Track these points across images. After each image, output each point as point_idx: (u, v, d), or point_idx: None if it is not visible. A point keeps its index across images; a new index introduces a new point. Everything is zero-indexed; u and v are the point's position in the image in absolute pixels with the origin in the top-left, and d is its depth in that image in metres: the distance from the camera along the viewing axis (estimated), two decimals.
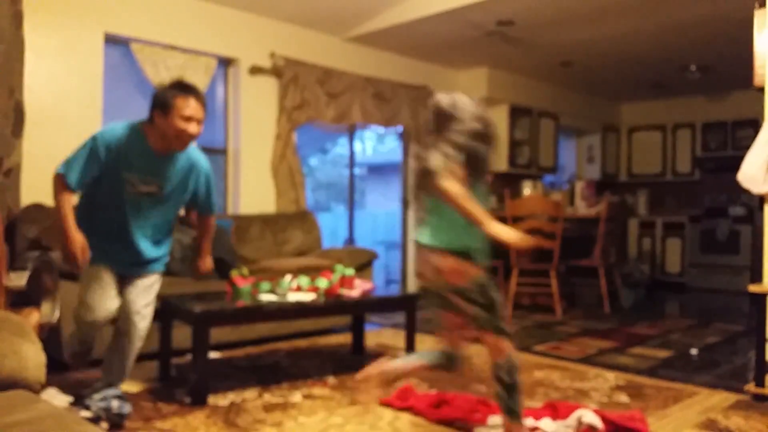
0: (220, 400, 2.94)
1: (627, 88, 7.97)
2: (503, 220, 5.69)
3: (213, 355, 3.74)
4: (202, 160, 2.95)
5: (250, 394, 3.06)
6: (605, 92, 8.28)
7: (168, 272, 4.07)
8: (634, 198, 8.68)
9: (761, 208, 3.46)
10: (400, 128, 6.50)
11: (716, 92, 7.88)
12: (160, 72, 4.64)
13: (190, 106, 2.71)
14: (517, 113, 7.32)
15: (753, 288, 3.08)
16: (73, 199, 2.71)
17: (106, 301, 2.73)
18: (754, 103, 3.52)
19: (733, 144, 7.81)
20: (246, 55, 5.21)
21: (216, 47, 5.02)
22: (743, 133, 7.50)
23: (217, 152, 5.27)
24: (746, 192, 3.49)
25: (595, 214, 6.08)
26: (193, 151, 2.90)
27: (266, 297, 3.27)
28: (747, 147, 3.46)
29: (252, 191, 5.26)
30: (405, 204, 6.72)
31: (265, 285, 3.37)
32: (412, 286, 6.59)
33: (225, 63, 5.23)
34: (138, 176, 2.73)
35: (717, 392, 3.13)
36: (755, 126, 3.48)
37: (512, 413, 2.23)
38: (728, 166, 3.90)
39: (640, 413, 2.63)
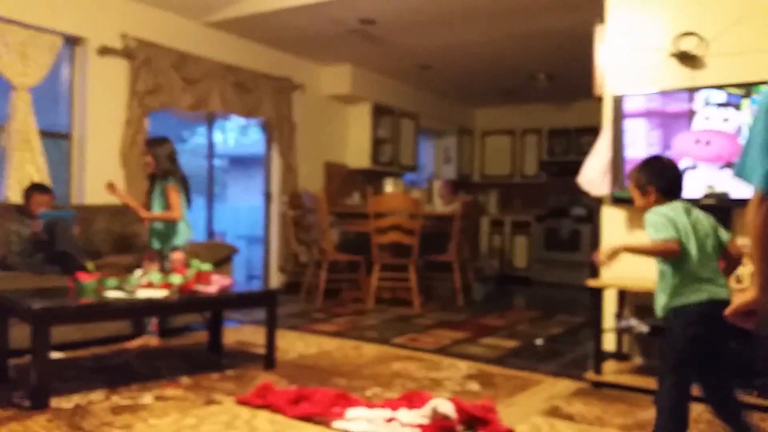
0: (64, 403, 2.71)
1: (481, 93, 8.38)
2: (366, 216, 5.76)
3: (56, 355, 3.44)
4: None
5: (97, 396, 2.85)
6: (461, 96, 8.65)
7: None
8: (486, 197, 9.17)
9: (599, 209, 3.77)
10: (262, 119, 6.35)
11: (562, 100, 8.50)
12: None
13: None
14: (379, 112, 7.43)
15: (591, 282, 3.35)
16: None
17: None
18: (595, 111, 3.83)
19: (575, 149, 8.46)
20: (95, 35, 4.83)
21: (62, 24, 4.61)
22: (585, 139, 8.16)
23: (60, 137, 4.84)
24: (586, 194, 3.79)
25: (451, 212, 6.32)
26: None
27: (113, 294, 3.05)
28: (588, 152, 3.75)
29: (99, 180, 4.87)
30: (268, 198, 6.59)
31: (112, 281, 3.15)
32: (275, 281, 6.49)
33: (71, 42, 4.81)
34: None
35: (560, 380, 3.37)
36: (595, 133, 3.78)
37: None
38: (571, 170, 4.21)
39: (490, 402, 2.76)
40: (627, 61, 3.65)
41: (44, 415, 2.58)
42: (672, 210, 2.20)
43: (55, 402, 2.72)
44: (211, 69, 5.66)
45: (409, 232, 5.61)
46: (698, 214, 2.23)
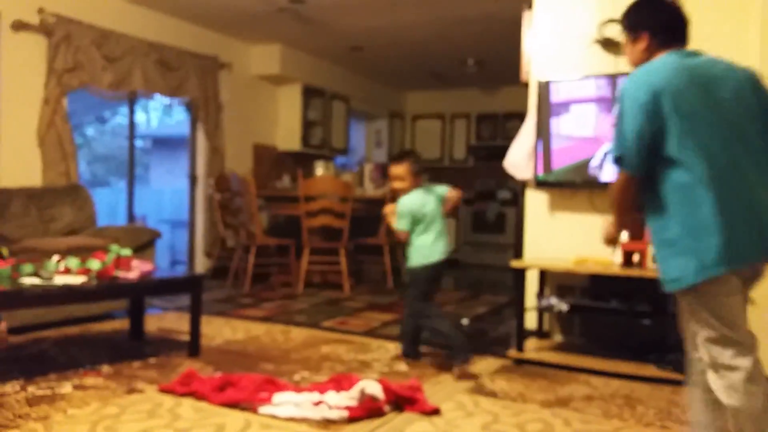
0: None
1: (412, 77, 8.42)
2: (296, 199, 5.71)
3: None
4: None
5: (11, 387, 2.72)
6: (392, 80, 8.66)
7: None
8: None
9: (524, 193, 3.87)
10: (187, 99, 6.17)
11: (490, 86, 8.65)
12: None
13: None
14: (310, 93, 7.35)
15: (515, 263, 3.44)
16: None
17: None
18: (522, 97, 3.91)
19: (503, 134, 8.64)
20: (9, 9, 4.56)
21: None
22: (512, 124, 8.34)
23: None
24: (512, 177, 3.88)
25: (382, 195, 6.35)
26: None
27: (29, 280, 2.91)
28: (514, 137, 3.84)
29: (14, 161, 4.64)
30: (193, 180, 6.42)
31: (28, 267, 3.00)
32: (201, 266, 6.35)
33: None
34: None
35: (484, 358, 3.45)
36: (522, 118, 3.87)
37: None
38: (498, 154, 4.31)
39: (417, 382, 2.81)
40: (553, 47, 3.74)
41: None
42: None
43: None
44: (134, 46, 5.45)
45: (339, 215, 5.60)
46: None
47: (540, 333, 3.72)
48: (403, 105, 9.48)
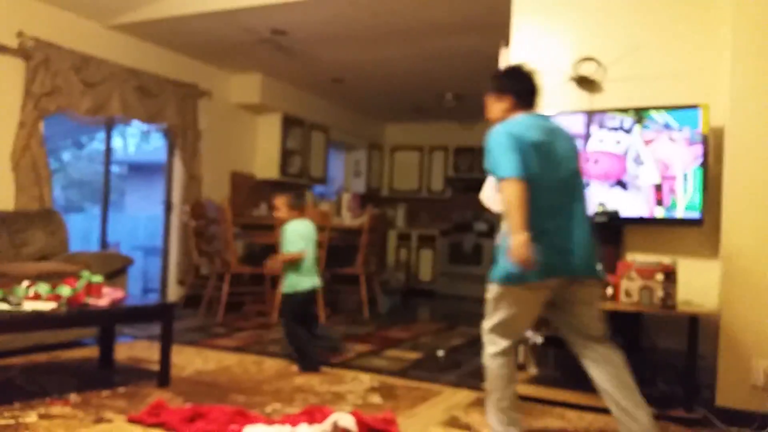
0: None
1: (391, 109, 8.52)
2: (272, 227, 5.67)
3: None
4: None
5: None
6: (372, 111, 8.75)
7: None
8: (394, 211, 9.29)
9: (499, 225, 3.90)
10: (165, 126, 6.15)
11: (468, 119, 8.76)
12: None
13: None
14: (289, 123, 7.39)
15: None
16: None
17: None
18: None
19: (479, 167, 8.73)
20: None
21: None
22: None
23: None
24: (488, 210, 3.91)
25: (359, 225, 6.36)
26: None
27: None
28: None
29: None
30: (168, 207, 6.37)
31: None
32: (173, 294, 6.26)
33: None
34: None
35: (459, 390, 3.44)
36: None
37: None
38: (474, 187, 4.34)
39: (391, 414, 2.79)
40: None
41: None
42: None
43: None
44: (113, 72, 5.44)
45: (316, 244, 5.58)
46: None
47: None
48: (382, 136, 9.56)
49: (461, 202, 8.82)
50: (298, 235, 4.00)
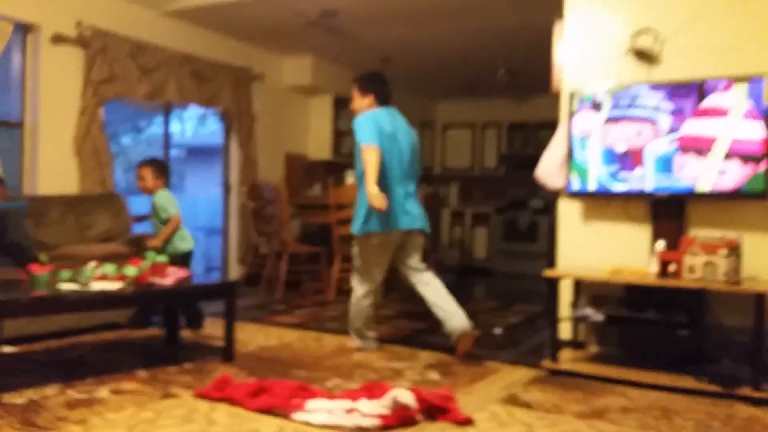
0: (16, 398, 2.64)
1: (442, 87, 8.43)
2: (327, 207, 5.73)
3: (7, 349, 3.35)
4: None
5: (51, 390, 2.78)
6: (423, 89, 8.68)
7: None
8: (446, 190, 9.24)
9: (556, 202, 3.84)
10: (220, 110, 6.26)
11: (521, 95, 8.60)
12: None
13: None
14: (340, 104, 7.40)
15: (548, 273, 3.41)
16: None
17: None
18: (554, 106, 3.89)
19: (534, 143, 8.58)
20: (48, 22, 4.69)
21: (12, 10, 4.46)
22: (543, 133, 8.26)
23: (12, 126, 4.69)
24: (544, 187, 3.85)
25: None
26: None
27: (66, 286, 2.98)
28: (546, 146, 3.81)
29: (52, 170, 4.76)
30: (227, 189, 6.51)
31: (66, 273, 3.07)
32: (235, 273, 6.41)
33: (23, 29, 4.65)
34: None
35: (518, 368, 3.42)
36: (553, 128, 3.84)
37: None
38: (529, 163, 4.28)
39: (449, 391, 2.79)
40: (585, 56, 3.71)
41: None
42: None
43: (7, 397, 2.65)
44: (169, 58, 5.55)
45: None
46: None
47: (575, 343, 3.67)
48: (434, 114, 9.48)
49: (516, 179, 8.70)
50: (173, 201, 4.12)
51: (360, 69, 7.63)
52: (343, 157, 7.49)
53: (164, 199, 4.11)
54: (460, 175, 9.34)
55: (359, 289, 3.65)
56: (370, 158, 3.37)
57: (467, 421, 2.51)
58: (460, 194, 9.26)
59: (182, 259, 4.00)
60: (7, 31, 4.43)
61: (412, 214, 3.60)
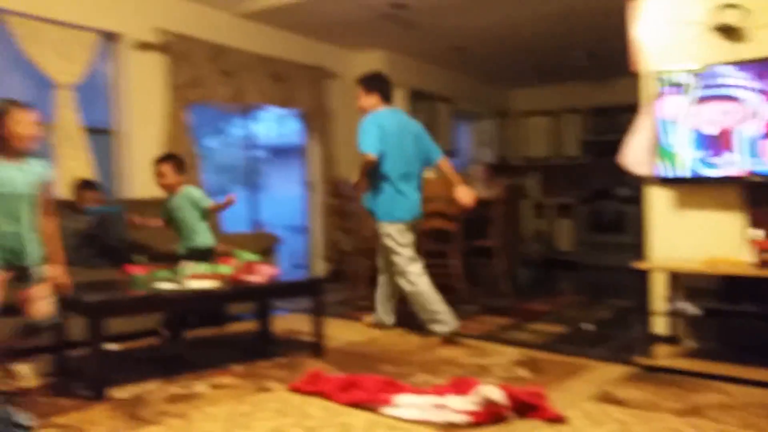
0: (122, 393, 2.81)
1: (518, 73, 8.25)
2: None
3: (111, 346, 3.55)
4: None
5: (153, 385, 2.93)
6: (498, 78, 8.53)
7: None
8: (526, 181, 9.05)
9: (644, 190, 3.69)
10: (299, 109, 6.38)
11: (602, 78, 8.31)
12: (39, 47, 4.31)
13: None
14: (415, 97, 7.38)
15: (639, 265, 3.29)
16: None
17: None
18: (637, 88, 3.74)
19: (618, 128, 8.26)
20: (131, 30, 4.91)
21: (99, 21, 4.70)
22: (627, 117, 7.94)
23: (103, 132, 4.95)
24: (631, 174, 3.71)
25: (491, 196, 6.27)
26: None
27: (164, 285, 3.13)
28: (630, 131, 3.67)
29: (144, 174, 4.96)
30: (308, 187, 6.64)
31: (163, 273, 3.22)
32: (319, 269, 6.54)
33: (109, 38, 4.90)
34: None
35: (610, 365, 3.32)
36: (638, 110, 3.70)
37: None
38: (613, 150, 4.12)
39: (540, 388, 2.75)
40: (665, 35, 3.54)
41: (103, 404, 2.66)
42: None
43: (114, 392, 2.81)
44: (247, 60, 5.70)
45: (449, 218, 5.58)
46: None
47: (670, 338, 3.53)
48: (510, 103, 9.31)
49: (600, 167, 8.36)
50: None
51: (433, 60, 7.64)
52: None
53: (197, 191, 4.01)
54: (540, 165, 9.13)
55: (413, 267, 4.03)
56: (364, 165, 3.91)
57: (559, 419, 2.47)
58: (540, 185, 9.05)
59: (201, 255, 3.79)
60: (93, 42, 4.66)
61: (418, 203, 4.12)
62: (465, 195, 4.12)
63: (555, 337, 4.02)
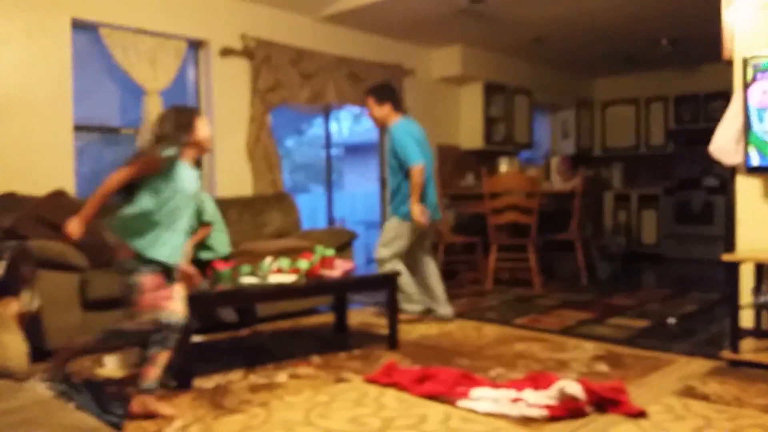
0: (206, 383, 2.94)
1: (599, 62, 8.02)
2: (480, 197, 5.73)
3: (196, 338, 3.73)
4: None
5: (235, 375, 3.06)
6: (578, 67, 8.32)
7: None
8: (608, 171, 8.78)
9: (733, 179, 3.52)
10: None
11: (688, 65, 7.96)
12: (130, 56, 4.57)
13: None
14: (491, 90, 7.32)
15: (727, 257, 3.15)
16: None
17: None
18: (725, 75, 3.57)
19: (705, 116, 7.91)
20: (216, 37, 5.13)
21: (186, 30, 4.94)
22: (715, 105, 7.61)
23: None
24: (719, 163, 3.55)
25: (571, 188, 6.14)
26: None
27: (247, 280, 3.26)
28: (719, 119, 3.51)
29: (228, 175, 5.21)
30: (383, 183, 6.72)
31: (246, 268, 3.36)
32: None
33: (195, 45, 5.14)
34: None
35: (694, 359, 3.21)
36: (726, 98, 3.52)
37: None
38: (701, 138, 3.95)
39: (620, 383, 2.69)
40: (758, 20, 3.36)
41: (189, 394, 2.80)
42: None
43: (198, 382, 2.94)
44: (326, 62, 5.83)
45: (526, 211, 5.52)
46: None
47: (758, 332, 3.36)
48: (591, 92, 9.05)
49: (686, 157, 8.03)
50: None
51: (510, 52, 7.53)
52: (496, 145, 7.42)
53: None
54: (623, 155, 8.84)
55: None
56: (419, 179, 4.06)
57: (640, 414, 2.41)
58: (624, 176, 8.76)
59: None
60: (182, 49, 4.90)
61: (435, 207, 4.36)
62: (419, 214, 4.11)
63: (637, 331, 3.91)
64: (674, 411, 2.46)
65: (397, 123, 4.25)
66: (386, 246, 4.21)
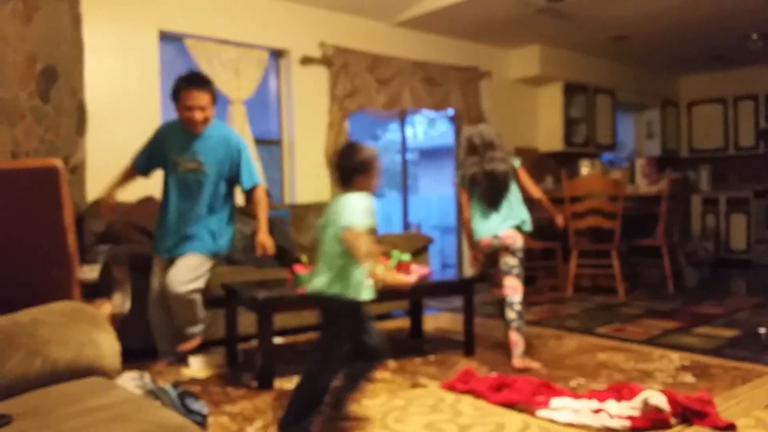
0: (286, 384, 3.01)
1: (685, 60, 7.69)
2: (560, 201, 5.60)
3: (277, 340, 3.83)
4: (234, 136, 3.33)
5: None
6: (662, 65, 8.00)
7: (231, 261, 4.20)
8: (696, 174, 8.39)
9: None
10: (450, 111, 6.45)
11: None
12: (215, 66, 4.75)
13: (191, 97, 3.10)
14: (571, 90, 7.16)
15: None
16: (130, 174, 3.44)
17: (155, 283, 3.32)
18: None
19: None
20: (296, 46, 5.26)
21: (267, 40, 5.09)
22: None
23: (272, 143, 5.35)
24: None
25: (657, 191, 5.91)
26: (224, 128, 3.35)
27: None
28: None
29: (307, 180, 5.32)
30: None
31: None
32: (468, 270, 6.56)
33: (276, 55, 5.30)
34: (179, 154, 3.22)
35: None
36: None
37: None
38: None
39: (707, 394, 2.57)
40: None
41: (270, 394, 2.87)
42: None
43: (278, 383, 3.02)
44: (402, 67, 5.87)
45: (609, 215, 5.36)
46: None
47: None
48: (677, 91, 8.69)
49: None
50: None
51: (590, 51, 7.32)
52: (576, 146, 7.23)
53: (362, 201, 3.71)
54: (710, 157, 8.43)
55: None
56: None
57: (729, 427, 2.30)
58: (712, 178, 8.35)
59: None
60: (264, 59, 5.06)
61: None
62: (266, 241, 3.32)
63: (726, 341, 3.72)
64: (766, 425, 2.33)
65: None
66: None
